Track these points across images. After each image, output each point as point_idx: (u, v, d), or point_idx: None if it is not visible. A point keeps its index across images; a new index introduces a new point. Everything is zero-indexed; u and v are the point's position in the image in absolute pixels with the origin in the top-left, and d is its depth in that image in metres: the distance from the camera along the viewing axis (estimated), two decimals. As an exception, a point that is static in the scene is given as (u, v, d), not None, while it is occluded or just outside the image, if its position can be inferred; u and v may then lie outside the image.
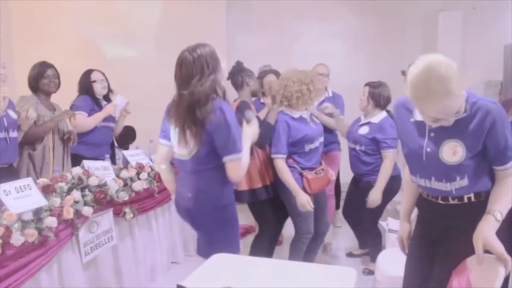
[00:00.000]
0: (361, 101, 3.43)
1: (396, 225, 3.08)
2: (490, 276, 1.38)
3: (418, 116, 1.73)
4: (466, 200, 1.70)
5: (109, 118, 3.77)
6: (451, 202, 1.73)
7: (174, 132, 2.17)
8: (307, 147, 2.98)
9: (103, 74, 3.77)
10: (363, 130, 3.38)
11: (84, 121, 3.54)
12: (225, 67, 2.21)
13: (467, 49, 5.89)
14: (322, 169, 3.08)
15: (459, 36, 5.84)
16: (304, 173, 2.96)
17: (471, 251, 1.53)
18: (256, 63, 4.37)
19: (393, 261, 2.61)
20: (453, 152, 1.65)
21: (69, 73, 3.66)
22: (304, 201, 2.87)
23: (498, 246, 1.49)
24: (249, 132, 2.22)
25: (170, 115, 2.18)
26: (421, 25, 6.12)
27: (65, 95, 3.60)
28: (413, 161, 1.81)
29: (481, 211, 1.62)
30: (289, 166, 2.96)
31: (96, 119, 3.60)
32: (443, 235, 1.73)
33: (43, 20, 5.23)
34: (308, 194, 2.94)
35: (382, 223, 3.16)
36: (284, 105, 3.00)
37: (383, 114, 3.39)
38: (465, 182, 1.67)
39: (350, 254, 3.83)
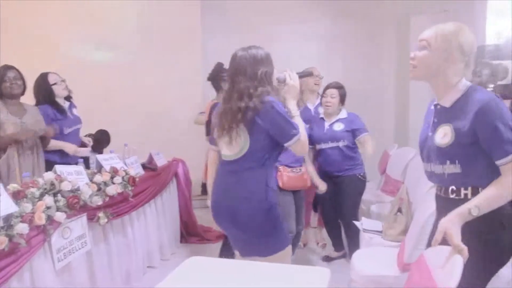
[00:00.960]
0: (331, 103, 3.55)
1: (370, 225, 3.13)
2: (449, 267, 1.41)
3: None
4: (462, 196, 1.69)
5: (76, 121, 3.69)
6: (450, 196, 1.73)
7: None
8: None
9: (59, 75, 3.60)
10: (339, 127, 3.54)
11: (53, 134, 3.40)
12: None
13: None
14: (300, 169, 3.16)
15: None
16: (280, 168, 3.09)
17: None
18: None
19: (368, 260, 2.65)
20: (443, 134, 1.70)
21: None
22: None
23: (456, 238, 1.50)
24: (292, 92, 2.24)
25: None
26: (394, 28, 6.23)
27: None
28: (422, 147, 1.89)
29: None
30: None
31: (54, 145, 3.45)
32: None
33: (14, 23, 5.12)
34: (281, 189, 3.04)
35: (356, 223, 3.20)
36: None
37: (344, 110, 3.62)
38: (457, 168, 1.68)
39: (326, 258, 3.83)
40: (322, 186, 3.47)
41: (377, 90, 6.17)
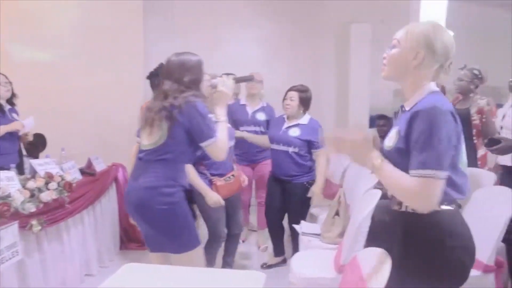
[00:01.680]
0: (290, 106, 3.53)
1: (309, 228, 3.20)
2: (379, 268, 1.47)
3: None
4: (404, 209, 1.56)
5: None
6: (394, 207, 1.61)
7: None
8: None
9: (6, 77, 3.54)
10: (294, 132, 3.52)
11: None
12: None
13: (377, 59, 6.24)
14: (233, 175, 3.16)
15: (369, 46, 6.19)
16: (214, 180, 3.04)
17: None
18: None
19: (306, 262, 2.70)
20: (389, 138, 1.59)
21: None
22: (215, 199, 2.96)
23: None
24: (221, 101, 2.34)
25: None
26: (336, 34, 6.41)
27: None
28: None
29: (412, 226, 1.52)
30: (200, 173, 3.03)
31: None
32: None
33: None
34: None
35: (295, 227, 3.26)
36: None
37: (308, 115, 3.58)
38: None
39: (265, 266, 3.81)
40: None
41: (318, 94, 6.30)
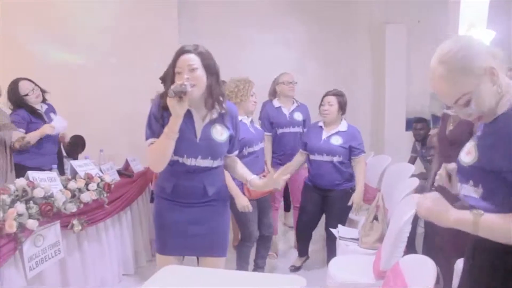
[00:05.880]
0: (328, 111, 3.43)
1: (346, 232, 3.16)
2: (424, 276, 1.43)
3: None
4: None
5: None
6: None
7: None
8: (246, 151, 3.05)
9: (31, 81, 3.58)
10: (336, 141, 3.43)
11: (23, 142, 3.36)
12: None
13: (413, 60, 6.14)
14: (264, 176, 3.12)
15: (405, 47, 6.08)
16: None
17: None
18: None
19: (344, 267, 2.67)
20: (467, 152, 1.45)
21: (8, 79, 3.49)
22: (244, 203, 2.94)
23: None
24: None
25: None
26: (369, 35, 6.32)
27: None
28: None
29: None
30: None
31: (32, 138, 3.45)
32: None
33: None
34: (249, 199, 3.02)
35: (333, 231, 3.22)
36: None
37: (344, 121, 3.50)
38: (479, 191, 1.37)
39: (293, 268, 3.77)
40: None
41: (352, 96, 6.23)
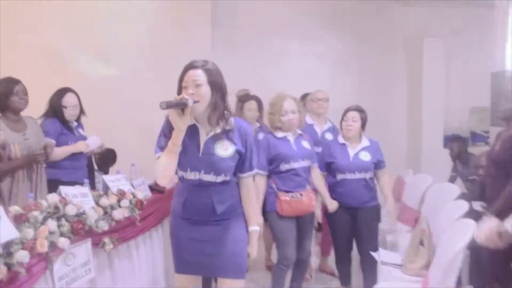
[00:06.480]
0: (352, 127, 3.33)
1: (388, 257, 2.99)
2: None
3: None
4: None
5: (82, 138, 3.62)
6: None
7: None
8: (283, 167, 3.04)
9: (77, 97, 3.57)
10: (366, 157, 3.34)
11: (52, 150, 3.31)
12: None
13: (452, 75, 5.93)
14: (301, 195, 3.05)
15: (443, 61, 5.89)
16: (279, 194, 3.02)
17: None
18: (240, 81, 4.33)
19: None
20: None
21: (39, 89, 3.40)
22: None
23: None
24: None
25: None
26: (405, 48, 6.16)
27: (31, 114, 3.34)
28: None
29: None
30: (268, 187, 3.06)
31: (64, 152, 3.45)
32: None
33: (10, 31, 4.94)
34: (280, 216, 3.02)
35: (374, 254, 3.05)
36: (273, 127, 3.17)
37: (363, 135, 3.44)
38: None
39: None
40: (332, 205, 3.32)
41: (389, 112, 6.07)
